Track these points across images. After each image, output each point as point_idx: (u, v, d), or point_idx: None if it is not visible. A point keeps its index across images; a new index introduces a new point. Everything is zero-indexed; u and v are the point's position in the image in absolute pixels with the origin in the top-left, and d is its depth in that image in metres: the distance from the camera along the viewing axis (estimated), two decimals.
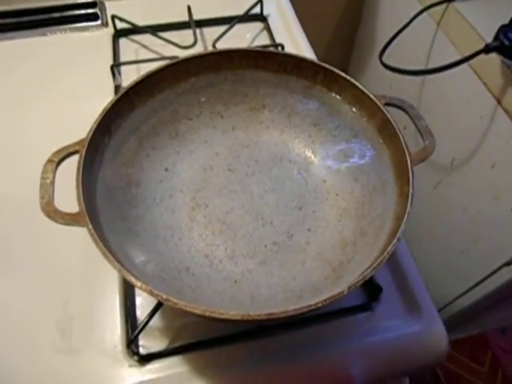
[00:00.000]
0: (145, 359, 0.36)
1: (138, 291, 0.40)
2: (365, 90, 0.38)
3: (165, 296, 0.27)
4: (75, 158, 0.34)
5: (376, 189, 0.38)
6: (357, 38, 0.92)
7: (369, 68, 0.88)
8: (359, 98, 0.39)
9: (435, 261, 0.69)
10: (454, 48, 0.57)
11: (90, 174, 0.34)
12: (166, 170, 0.41)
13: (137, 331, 0.36)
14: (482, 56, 0.47)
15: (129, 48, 0.60)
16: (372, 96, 0.38)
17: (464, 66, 0.53)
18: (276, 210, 0.40)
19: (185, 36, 0.59)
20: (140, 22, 0.60)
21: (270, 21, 0.64)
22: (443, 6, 0.58)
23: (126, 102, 0.38)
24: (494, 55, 0.48)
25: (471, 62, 0.51)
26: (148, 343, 0.37)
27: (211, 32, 0.61)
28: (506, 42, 0.45)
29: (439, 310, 0.67)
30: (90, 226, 0.29)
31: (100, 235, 0.30)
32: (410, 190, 0.32)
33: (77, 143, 0.34)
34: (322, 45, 0.92)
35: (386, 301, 0.40)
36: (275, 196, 0.41)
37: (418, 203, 0.68)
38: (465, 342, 1.02)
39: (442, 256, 0.68)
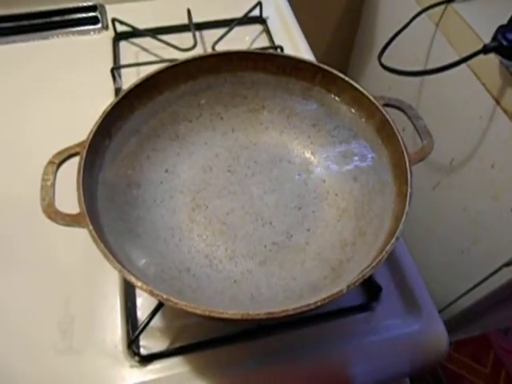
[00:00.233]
0: (146, 359, 0.36)
1: (138, 292, 0.40)
2: (363, 91, 0.39)
3: (165, 296, 0.27)
4: (75, 160, 0.34)
5: (375, 189, 0.38)
6: (356, 39, 0.93)
7: (368, 69, 0.88)
8: (358, 99, 0.40)
9: (435, 261, 0.69)
10: (453, 49, 0.57)
11: (91, 176, 0.35)
12: (167, 171, 0.42)
13: (137, 331, 0.36)
14: (481, 56, 0.47)
15: (129, 51, 0.61)
16: (371, 97, 0.38)
17: (463, 66, 0.53)
18: (276, 210, 0.41)
19: (184, 39, 0.59)
20: (140, 25, 0.60)
21: (269, 23, 0.65)
22: (442, 7, 0.58)
23: (126, 105, 0.39)
24: (492, 56, 0.48)
25: (470, 62, 0.51)
26: (149, 344, 0.38)
27: (211, 34, 0.61)
28: (505, 43, 0.45)
29: (440, 311, 0.67)
30: (91, 227, 0.29)
31: (101, 236, 0.30)
32: (409, 190, 0.33)
33: (77, 145, 0.34)
34: (321, 46, 0.93)
35: (386, 300, 0.41)
36: (275, 197, 0.41)
37: (417, 204, 0.69)
38: (467, 343, 1.02)
39: (442, 256, 0.68)
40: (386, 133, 0.37)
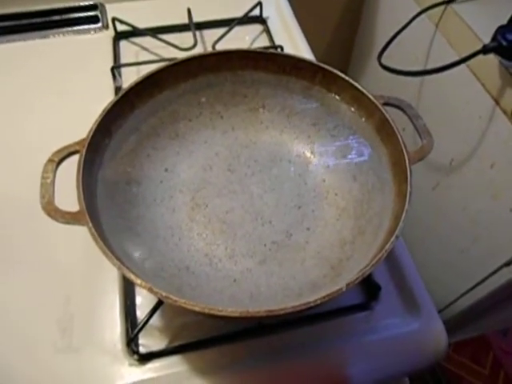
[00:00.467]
0: (145, 358, 0.36)
1: (137, 291, 0.40)
2: (363, 90, 0.39)
3: (164, 293, 0.27)
4: (74, 159, 0.34)
5: (374, 188, 0.38)
6: (356, 39, 0.93)
7: (368, 69, 0.89)
8: (358, 98, 0.40)
9: (435, 261, 0.69)
10: (453, 49, 0.57)
11: (91, 174, 0.35)
12: (166, 170, 0.42)
13: (137, 330, 0.36)
14: (480, 57, 0.47)
15: (129, 50, 0.61)
16: (370, 96, 0.38)
17: (462, 67, 0.53)
18: (275, 209, 0.41)
19: (185, 38, 0.59)
20: (140, 25, 0.60)
21: (270, 23, 0.65)
22: (441, 7, 0.58)
23: (126, 103, 0.39)
24: (491, 56, 0.48)
25: (469, 62, 0.51)
26: (148, 342, 0.37)
27: (211, 34, 0.61)
28: (504, 43, 0.45)
29: (440, 311, 0.67)
30: (91, 225, 0.29)
31: (100, 234, 0.30)
32: (408, 189, 0.33)
33: (77, 143, 0.34)
34: (321, 46, 0.93)
35: (385, 300, 0.41)
36: (275, 196, 0.41)
37: (417, 204, 0.69)
38: (466, 344, 1.02)
39: (441, 256, 0.68)
40: (385, 132, 0.37)
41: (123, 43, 0.62)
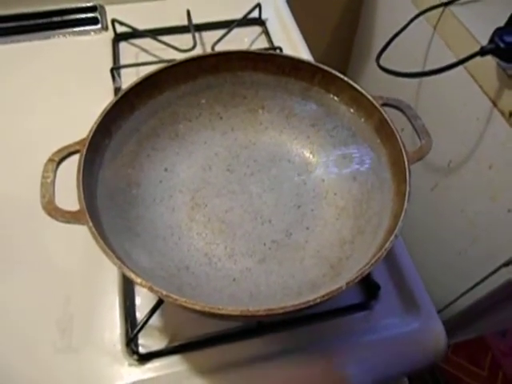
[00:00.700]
0: (144, 358, 0.36)
1: (137, 291, 0.40)
2: (362, 91, 0.39)
3: (165, 292, 0.27)
4: (74, 160, 0.34)
5: (374, 187, 0.38)
6: (355, 40, 0.93)
7: (367, 71, 0.89)
8: (357, 99, 0.40)
9: (434, 262, 0.69)
10: (450, 51, 0.58)
11: (91, 174, 0.35)
12: (166, 170, 0.42)
13: (136, 329, 0.36)
14: (478, 59, 0.48)
15: (129, 52, 0.61)
16: (369, 97, 0.38)
17: (460, 68, 0.53)
18: (275, 209, 0.41)
19: (184, 40, 0.60)
20: (140, 26, 0.60)
21: (269, 24, 0.65)
22: (439, 9, 0.59)
23: (126, 104, 0.39)
24: (489, 58, 0.49)
25: (467, 64, 0.52)
26: (147, 342, 0.38)
27: (210, 36, 0.61)
28: (501, 45, 0.46)
29: (439, 312, 0.67)
30: (91, 224, 0.30)
31: (100, 233, 0.30)
32: (407, 189, 0.33)
33: (77, 143, 0.35)
34: (320, 48, 0.93)
35: (384, 299, 0.41)
36: (274, 195, 0.41)
37: (416, 205, 0.69)
38: (465, 346, 1.02)
39: (440, 257, 0.68)
40: (384, 132, 0.38)
41: (123, 44, 0.62)
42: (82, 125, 0.36)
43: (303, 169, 0.43)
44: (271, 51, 0.55)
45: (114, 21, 0.61)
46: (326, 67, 0.41)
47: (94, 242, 0.29)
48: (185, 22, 0.62)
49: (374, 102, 0.38)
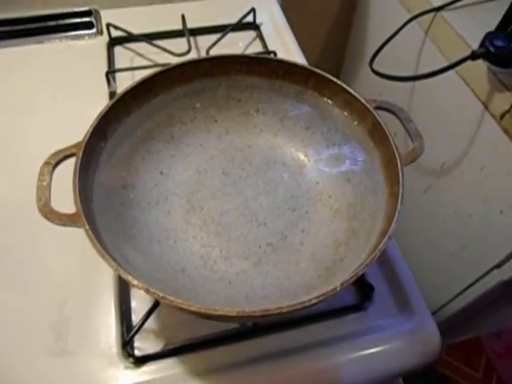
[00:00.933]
0: (140, 361, 0.36)
1: (133, 294, 0.40)
2: (356, 95, 0.39)
3: (161, 294, 0.27)
4: (70, 163, 0.34)
5: (367, 190, 0.38)
6: (348, 45, 0.94)
7: (360, 75, 0.90)
8: (350, 102, 0.40)
9: (427, 264, 0.70)
10: (442, 55, 0.58)
11: (87, 177, 0.35)
12: (161, 173, 0.42)
13: (132, 332, 0.36)
14: (470, 63, 0.48)
15: (124, 56, 0.61)
16: (362, 100, 0.39)
17: (452, 72, 0.54)
18: (270, 211, 0.41)
19: (179, 44, 0.60)
20: (135, 31, 0.61)
21: (263, 29, 0.65)
22: (431, 14, 0.60)
23: (122, 107, 0.39)
24: (480, 62, 0.49)
25: (459, 68, 0.52)
26: (143, 345, 0.38)
27: (205, 40, 0.62)
28: (492, 49, 0.46)
29: (432, 314, 0.68)
30: (87, 227, 0.30)
31: (97, 236, 0.30)
32: (400, 190, 0.33)
33: (73, 146, 0.35)
34: (314, 52, 0.94)
35: (379, 301, 0.41)
36: (269, 198, 0.42)
37: (409, 207, 0.69)
38: (459, 347, 1.03)
39: (433, 259, 0.68)
40: (377, 135, 0.38)
41: (118, 49, 0.62)
42: (77, 128, 0.36)
43: (298, 171, 0.43)
44: (266, 55, 0.55)
45: (108, 25, 0.61)
46: (319, 71, 0.41)
47: (89, 245, 0.29)
48: (179, 27, 0.62)
49: (368, 105, 0.38)
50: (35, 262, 0.42)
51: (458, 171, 0.60)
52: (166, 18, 0.64)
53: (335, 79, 0.41)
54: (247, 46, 0.63)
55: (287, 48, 0.63)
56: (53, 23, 0.63)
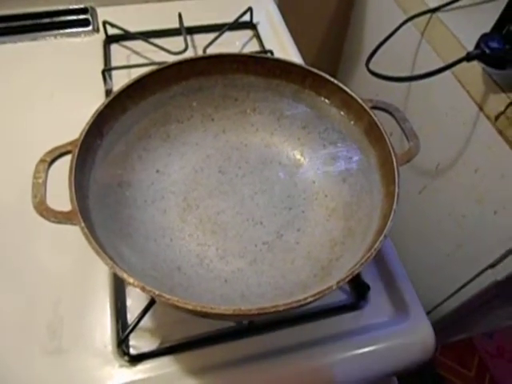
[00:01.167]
0: (135, 359, 0.36)
1: (128, 293, 0.40)
2: (352, 94, 0.40)
3: (157, 292, 0.27)
4: (66, 161, 0.34)
5: (363, 189, 0.39)
6: (345, 45, 0.94)
7: (357, 74, 0.90)
8: (347, 102, 0.41)
9: (422, 264, 0.70)
10: (438, 56, 0.59)
11: (83, 175, 0.35)
12: (158, 171, 0.42)
13: (128, 330, 0.36)
14: (465, 64, 0.49)
15: (120, 54, 0.61)
16: (359, 99, 0.39)
17: (447, 74, 0.55)
18: (266, 210, 0.41)
19: (175, 42, 0.60)
20: (131, 28, 0.61)
21: (260, 28, 0.65)
22: (427, 16, 0.60)
23: (119, 104, 0.39)
24: (475, 63, 0.50)
25: (454, 69, 0.53)
26: (138, 343, 0.37)
27: (202, 39, 0.62)
28: (487, 50, 0.47)
29: (427, 313, 0.68)
30: (83, 224, 0.30)
31: (92, 233, 0.30)
32: (396, 190, 0.33)
33: (69, 143, 0.35)
34: (311, 52, 0.94)
35: (374, 300, 0.41)
36: (265, 197, 0.42)
37: (404, 208, 0.70)
38: (453, 347, 1.03)
39: (428, 259, 0.69)
40: (373, 134, 0.38)
41: (114, 47, 0.62)
42: (72, 126, 0.36)
43: (294, 170, 0.44)
44: (263, 54, 0.56)
45: (105, 23, 0.61)
46: (316, 70, 0.41)
47: (84, 243, 0.29)
48: (176, 25, 0.62)
49: (364, 105, 0.39)
50: (30, 259, 0.41)
51: (452, 172, 0.60)
52: (162, 17, 0.64)
53: (332, 79, 0.41)
54: (244, 45, 0.63)
55: (284, 47, 0.63)
56: (48, 20, 0.63)
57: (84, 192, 0.34)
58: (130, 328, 0.36)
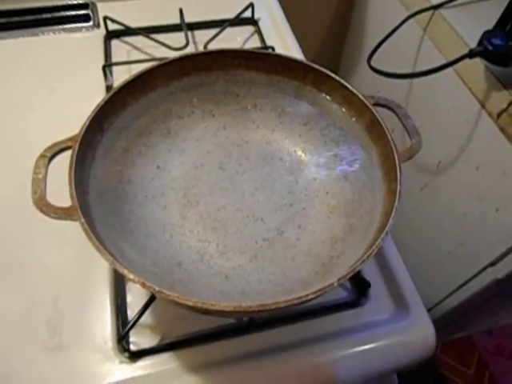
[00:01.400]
0: (135, 355, 0.36)
1: (128, 289, 0.40)
2: (354, 91, 0.39)
3: (157, 288, 0.27)
4: (66, 156, 0.34)
5: (365, 187, 0.38)
6: (346, 41, 0.94)
7: (358, 71, 0.90)
8: (348, 99, 0.40)
9: (423, 262, 0.70)
10: (440, 53, 0.59)
11: (83, 170, 0.35)
12: (158, 167, 0.42)
13: (128, 327, 0.36)
14: (467, 61, 0.48)
15: (121, 49, 0.61)
16: (361, 96, 0.39)
17: (449, 71, 0.54)
18: (267, 207, 0.41)
19: (176, 38, 0.59)
20: (132, 24, 0.60)
21: (261, 24, 0.65)
22: (429, 12, 0.60)
23: (119, 100, 0.39)
24: (478, 60, 0.49)
25: (456, 66, 0.53)
26: (139, 340, 0.37)
27: (203, 34, 0.61)
28: (490, 47, 0.46)
29: (428, 311, 0.68)
30: (83, 220, 0.29)
31: (92, 229, 0.30)
32: (398, 187, 0.33)
33: (69, 139, 0.34)
34: (312, 48, 0.94)
35: (375, 297, 0.41)
36: (266, 193, 0.42)
37: (405, 205, 0.70)
38: (452, 345, 1.04)
39: (429, 257, 0.69)
40: (375, 131, 0.38)
41: (115, 42, 0.61)
42: (73, 122, 0.36)
43: (295, 167, 0.43)
44: (264, 50, 0.55)
45: (105, 18, 0.60)
46: (318, 66, 0.41)
47: (85, 239, 0.29)
48: (177, 21, 0.62)
49: (366, 102, 0.38)
50: (30, 255, 0.41)
51: (454, 170, 0.60)
52: (163, 12, 0.64)
53: (333, 75, 0.40)
54: (245, 41, 0.63)
55: (285, 43, 0.63)
56: (48, 15, 0.62)
57: (84, 188, 0.34)
58: (131, 324, 0.36)
